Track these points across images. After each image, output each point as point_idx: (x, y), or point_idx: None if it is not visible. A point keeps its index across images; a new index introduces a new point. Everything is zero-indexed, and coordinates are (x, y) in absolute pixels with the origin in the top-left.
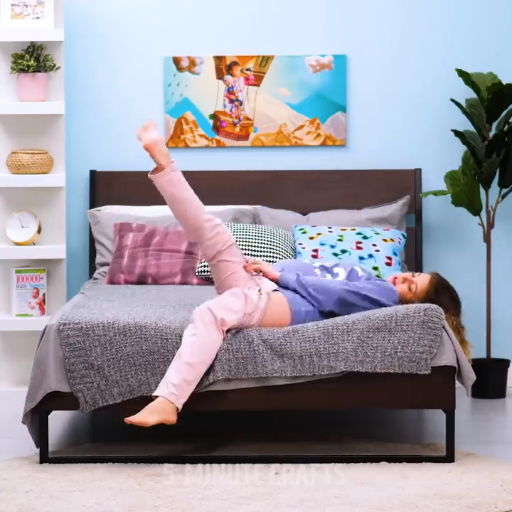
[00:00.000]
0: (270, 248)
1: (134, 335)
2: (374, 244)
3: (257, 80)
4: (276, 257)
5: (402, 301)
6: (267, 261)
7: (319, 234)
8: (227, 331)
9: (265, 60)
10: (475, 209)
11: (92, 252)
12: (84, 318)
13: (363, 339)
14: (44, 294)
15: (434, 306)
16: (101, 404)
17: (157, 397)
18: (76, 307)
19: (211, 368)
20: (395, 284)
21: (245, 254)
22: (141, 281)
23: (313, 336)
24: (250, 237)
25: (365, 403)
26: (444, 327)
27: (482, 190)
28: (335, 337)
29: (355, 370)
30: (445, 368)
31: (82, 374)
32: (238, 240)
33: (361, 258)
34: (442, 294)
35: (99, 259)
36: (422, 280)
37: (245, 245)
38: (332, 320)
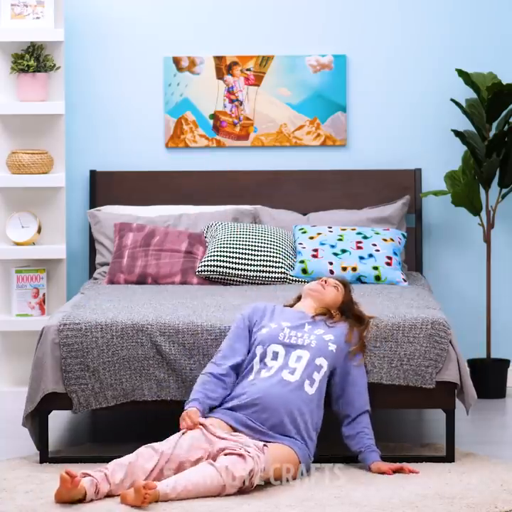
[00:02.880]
0: (270, 248)
1: (131, 338)
2: (374, 244)
3: (257, 79)
4: (276, 257)
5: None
6: (267, 261)
7: (319, 234)
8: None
9: (265, 60)
10: (475, 209)
11: (92, 252)
12: (84, 318)
13: (371, 349)
14: (44, 294)
15: (441, 319)
16: (94, 407)
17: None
18: (76, 307)
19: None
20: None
21: (245, 254)
22: (141, 281)
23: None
24: (250, 237)
25: None
26: (450, 342)
27: (482, 190)
28: None
29: None
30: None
31: (78, 375)
32: (238, 239)
33: (361, 258)
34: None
35: (99, 259)
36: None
37: (245, 245)
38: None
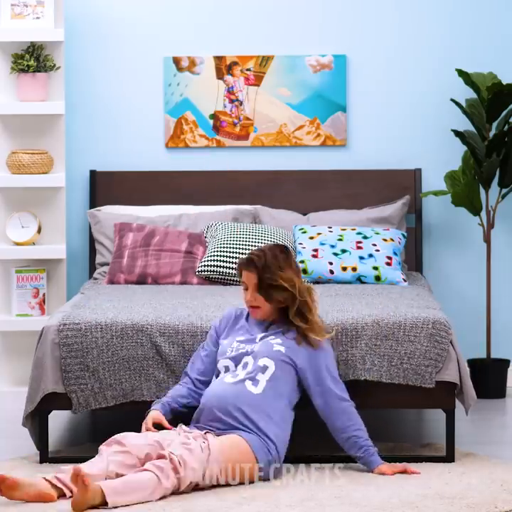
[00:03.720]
0: None
1: (131, 338)
2: (374, 244)
3: (257, 79)
4: None
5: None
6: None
7: (319, 234)
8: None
9: (265, 60)
10: (475, 209)
11: (92, 252)
12: (83, 318)
13: (371, 347)
14: (44, 294)
15: (443, 319)
16: (93, 407)
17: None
18: (76, 307)
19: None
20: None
21: (245, 254)
22: (141, 281)
23: (322, 344)
24: (250, 237)
25: (366, 403)
26: (451, 342)
27: (482, 190)
28: (344, 344)
29: (362, 378)
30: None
31: (77, 375)
32: (238, 239)
33: (361, 258)
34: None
35: (99, 259)
36: (250, 281)
37: (245, 245)
38: (341, 325)
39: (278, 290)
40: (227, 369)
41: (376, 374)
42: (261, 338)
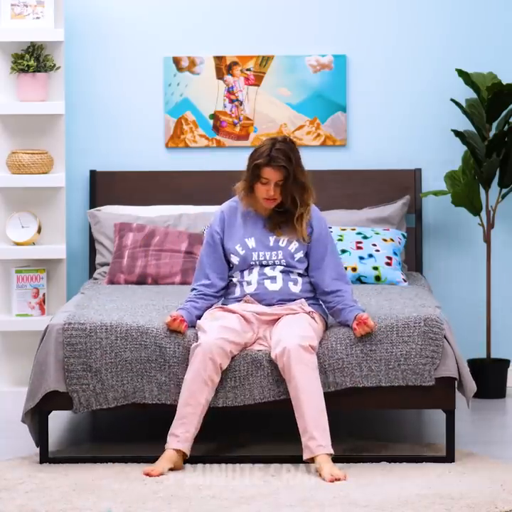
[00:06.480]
0: None
1: (135, 340)
2: (374, 244)
3: (257, 80)
4: None
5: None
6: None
7: None
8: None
9: (265, 60)
10: (475, 209)
11: (92, 252)
12: (89, 319)
13: (367, 352)
14: (44, 294)
15: (434, 316)
16: (94, 408)
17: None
18: (79, 307)
19: (215, 395)
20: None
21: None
22: (141, 281)
23: (317, 351)
24: None
25: (366, 404)
26: (445, 336)
27: (482, 190)
28: (339, 352)
29: (361, 385)
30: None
31: (80, 375)
32: None
33: (361, 258)
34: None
35: (99, 259)
36: (274, 177)
37: None
38: (334, 334)
39: (297, 186)
40: (251, 271)
41: (374, 379)
42: (274, 239)
